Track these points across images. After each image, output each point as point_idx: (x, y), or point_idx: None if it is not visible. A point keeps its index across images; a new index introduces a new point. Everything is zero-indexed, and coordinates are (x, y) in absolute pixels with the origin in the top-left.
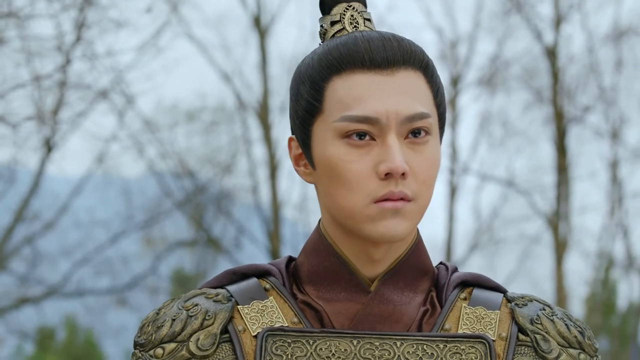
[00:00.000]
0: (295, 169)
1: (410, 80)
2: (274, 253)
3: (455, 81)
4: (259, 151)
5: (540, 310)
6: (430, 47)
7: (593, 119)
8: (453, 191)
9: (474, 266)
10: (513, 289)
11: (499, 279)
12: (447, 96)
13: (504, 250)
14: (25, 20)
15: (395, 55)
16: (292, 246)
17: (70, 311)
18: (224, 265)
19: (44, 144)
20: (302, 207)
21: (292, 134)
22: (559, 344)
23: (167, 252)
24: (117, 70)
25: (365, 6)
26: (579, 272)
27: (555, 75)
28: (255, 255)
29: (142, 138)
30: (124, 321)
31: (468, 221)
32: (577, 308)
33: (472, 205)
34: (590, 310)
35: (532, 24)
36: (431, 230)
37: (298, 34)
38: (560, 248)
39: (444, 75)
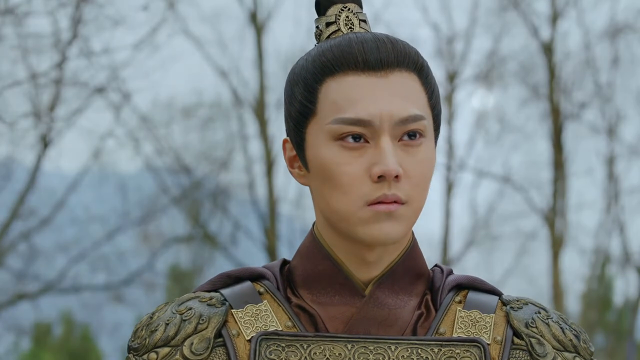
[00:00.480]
0: (290, 171)
1: (404, 82)
2: (270, 249)
3: (451, 77)
4: (255, 147)
5: (536, 313)
6: (427, 43)
7: (589, 115)
8: (449, 187)
9: (470, 262)
10: (509, 285)
11: (495, 275)
12: (443, 92)
13: (501, 247)
14: (22, 18)
15: (389, 57)
16: (289, 242)
17: (66, 307)
18: (220, 261)
19: (40, 140)
20: (298, 203)
21: (287, 135)
22: (554, 348)
23: (164, 248)
24: (114, 67)
25: (361, 7)
26: (576, 268)
27: (551, 71)
28: (251, 251)
29: (139, 134)
30: (120, 317)
31: (464, 217)
32: (573, 304)
33: (469, 202)
34: (587, 306)
35: (528, 20)
36: (427, 226)
37: (294, 30)
38: (557, 244)
39: (440, 72)
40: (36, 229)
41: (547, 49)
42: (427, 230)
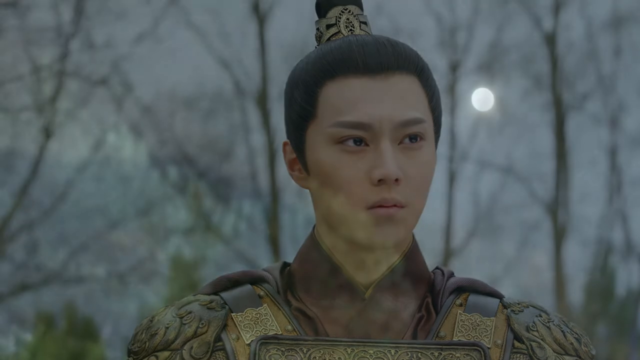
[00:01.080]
0: (290, 174)
1: (404, 85)
2: (273, 240)
3: (454, 68)
4: (258, 138)
5: (537, 316)
6: (429, 33)
7: (592, 106)
8: (452, 178)
9: (472, 253)
10: (512, 277)
11: (497, 266)
12: (446, 83)
13: (503, 238)
14: (25, 11)
15: (390, 60)
16: (291, 233)
17: (69, 298)
18: (223, 253)
19: (43, 132)
20: (301, 194)
21: (287, 138)
22: (554, 351)
23: (166, 239)
24: (116, 59)
25: (362, 9)
26: (578, 259)
27: (554, 62)
28: (254, 242)
29: (141, 125)
30: (122, 308)
31: (467, 208)
32: (576, 295)
33: (471, 193)
34: (589, 297)
35: (531, 10)
36: (430, 217)
37: (297, 21)
38: (559, 235)
39: (442, 62)
40: (38, 220)
41: (550, 40)
42: (429, 221)
